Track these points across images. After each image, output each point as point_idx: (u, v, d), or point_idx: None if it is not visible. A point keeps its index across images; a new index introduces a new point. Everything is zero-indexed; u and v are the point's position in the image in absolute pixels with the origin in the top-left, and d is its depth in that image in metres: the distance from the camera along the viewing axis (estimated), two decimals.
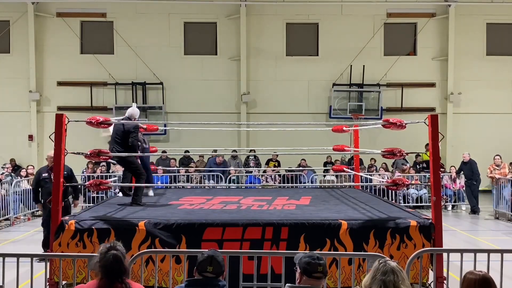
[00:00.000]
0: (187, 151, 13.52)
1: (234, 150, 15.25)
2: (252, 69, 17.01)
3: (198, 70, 17.00)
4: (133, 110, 7.15)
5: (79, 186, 8.42)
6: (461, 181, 12.98)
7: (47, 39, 16.74)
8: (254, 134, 16.67)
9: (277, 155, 15.04)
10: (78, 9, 16.72)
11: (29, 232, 9.90)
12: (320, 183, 13.56)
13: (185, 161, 15.12)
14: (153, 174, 12.06)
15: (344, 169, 10.06)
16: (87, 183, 5.92)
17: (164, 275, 5.11)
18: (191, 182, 13.29)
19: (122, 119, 7.10)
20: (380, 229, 5.36)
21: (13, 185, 11.11)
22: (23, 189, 11.41)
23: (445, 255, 4.66)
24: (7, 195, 10.96)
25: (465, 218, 11.88)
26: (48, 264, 4.86)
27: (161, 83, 16.75)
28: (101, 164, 13.36)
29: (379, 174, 13.41)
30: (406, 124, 5.97)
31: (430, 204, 6.39)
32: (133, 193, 6.86)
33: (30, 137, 16.67)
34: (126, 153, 6.64)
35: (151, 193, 7.95)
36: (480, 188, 12.76)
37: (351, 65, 16.76)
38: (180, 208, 6.56)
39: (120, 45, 16.78)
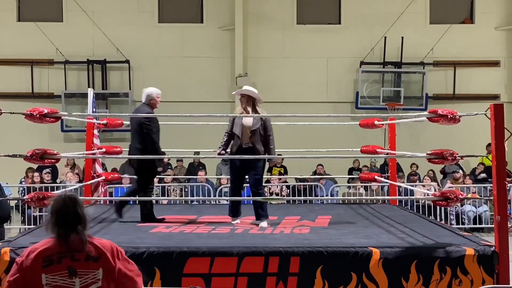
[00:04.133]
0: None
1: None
2: (251, 42, 17.01)
3: (177, 43, 17.00)
4: (149, 89, 7.17)
5: (17, 202, 8.41)
6: None
7: None
8: None
9: (282, 159, 15.01)
10: None
11: None
12: (343, 196, 13.57)
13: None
14: (117, 185, 12.17)
15: (376, 178, 10.05)
16: (26, 196, 5.91)
17: None
18: (167, 196, 13.29)
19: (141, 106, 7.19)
20: (425, 260, 5.39)
21: None
22: None
23: None
24: None
25: None
26: None
27: (127, 62, 16.76)
28: (44, 171, 13.35)
29: (424, 185, 13.41)
30: (460, 116, 5.97)
31: (492, 225, 6.38)
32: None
33: None
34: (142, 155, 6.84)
35: None
36: None
37: (385, 37, 16.77)
38: (153, 231, 6.57)
39: (72, 9, 16.78)
